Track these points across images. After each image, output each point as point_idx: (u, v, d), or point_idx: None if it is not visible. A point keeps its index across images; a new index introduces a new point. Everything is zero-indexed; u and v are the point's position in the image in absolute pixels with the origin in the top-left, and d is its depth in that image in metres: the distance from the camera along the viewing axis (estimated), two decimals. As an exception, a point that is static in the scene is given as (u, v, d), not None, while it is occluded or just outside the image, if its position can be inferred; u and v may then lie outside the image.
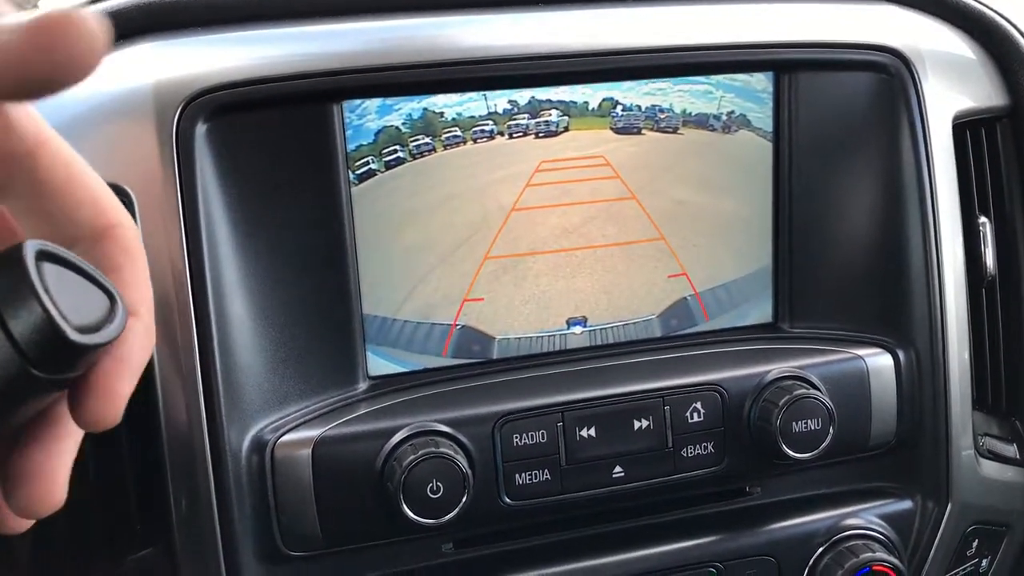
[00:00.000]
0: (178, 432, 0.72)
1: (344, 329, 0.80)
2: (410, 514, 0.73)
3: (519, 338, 0.85)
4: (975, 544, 0.92)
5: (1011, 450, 0.94)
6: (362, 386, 0.81)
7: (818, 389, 0.82)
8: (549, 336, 0.86)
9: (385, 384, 0.82)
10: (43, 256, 0.37)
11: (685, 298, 0.89)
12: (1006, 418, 0.96)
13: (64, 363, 0.37)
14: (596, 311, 0.87)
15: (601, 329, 0.87)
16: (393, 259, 0.81)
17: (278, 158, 0.76)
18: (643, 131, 0.84)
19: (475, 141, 0.81)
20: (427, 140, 0.80)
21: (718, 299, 0.90)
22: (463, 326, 0.84)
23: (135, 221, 0.70)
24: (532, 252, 0.84)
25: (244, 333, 0.75)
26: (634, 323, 0.88)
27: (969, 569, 0.93)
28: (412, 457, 0.73)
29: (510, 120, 0.81)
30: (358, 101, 0.78)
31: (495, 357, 0.85)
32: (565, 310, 0.86)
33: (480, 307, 0.84)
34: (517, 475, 0.78)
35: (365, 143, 0.78)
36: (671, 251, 0.87)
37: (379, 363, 0.82)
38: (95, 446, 0.74)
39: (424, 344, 0.83)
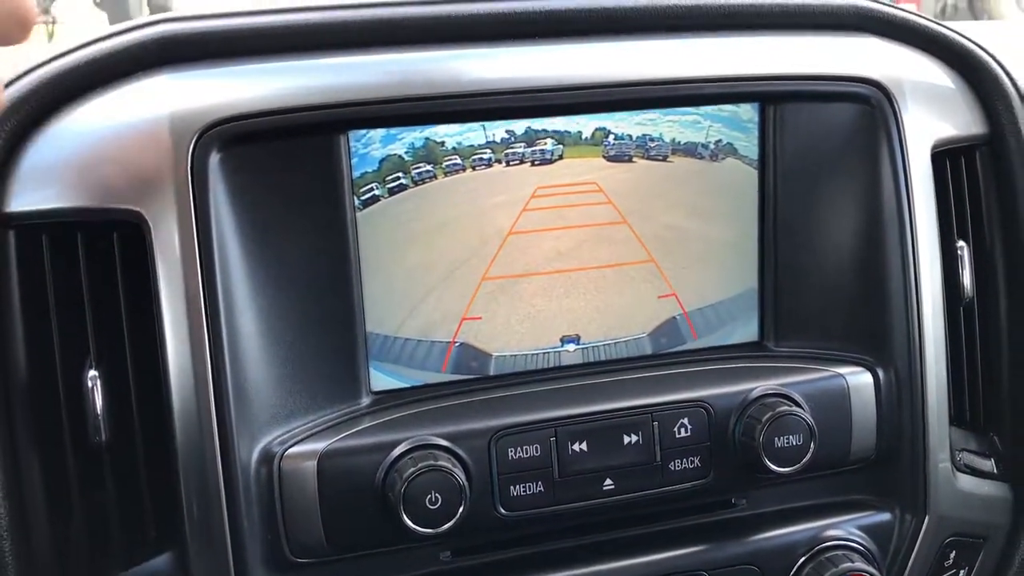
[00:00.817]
0: (191, 444, 0.76)
1: (348, 346, 0.84)
2: (410, 524, 0.77)
3: (515, 355, 0.89)
4: (952, 556, 0.96)
5: (988, 465, 0.98)
6: (365, 401, 0.85)
7: (800, 406, 0.86)
8: (544, 353, 0.90)
9: (387, 399, 0.86)
10: None
11: (674, 317, 0.92)
12: (984, 433, 1.00)
13: None
14: (589, 330, 0.91)
15: (593, 347, 0.91)
16: (395, 280, 0.85)
17: (287, 185, 0.80)
18: (634, 159, 0.88)
19: (474, 168, 0.85)
20: (428, 167, 0.84)
21: (706, 319, 0.93)
22: (461, 343, 0.88)
23: (152, 246, 0.75)
24: (528, 273, 0.88)
25: (254, 350, 0.79)
26: (625, 341, 0.92)
27: (948, 579, 0.97)
28: (412, 469, 0.77)
29: (507, 148, 0.85)
30: (363, 131, 0.82)
31: (492, 373, 0.89)
32: (559, 329, 0.90)
33: (478, 325, 0.88)
34: (512, 487, 0.82)
35: (370, 170, 0.83)
36: (661, 273, 0.91)
37: (381, 379, 0.86)
38: (113, 455, 0.78)
39: (424, 361, 0.87)
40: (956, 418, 0.97)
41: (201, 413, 0.76)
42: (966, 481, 0.95)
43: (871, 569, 0.87)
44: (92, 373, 0.77)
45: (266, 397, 0.79)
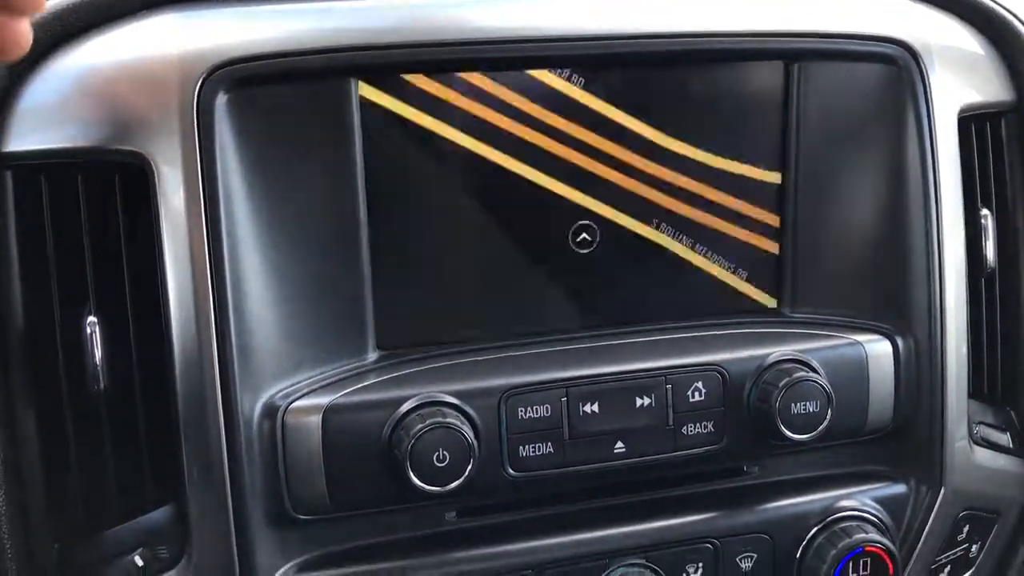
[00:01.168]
0: (192, 395, 0.73)
1: (355, 300, 0.81)
2: (416, 481, 0.75)
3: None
4: (966, 529, 0.94)
5: (1004, 439, 0.96)
6: (372, 356, 0.82)
7: (817, 373, 0.84)
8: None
9: (394, 355, 0.83)
10: None
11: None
12: (1001, 407, 0.98)
13: None
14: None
15: None
16: (404, 227, 0.82)
17: (295, 130, 0.78)
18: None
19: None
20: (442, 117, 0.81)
21: None
22: (471, 297, 0.85)
23: (155, 189, 0.72)
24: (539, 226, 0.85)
25: (258, 300, 0.76)
26: None
27: (959, 554, 0.95)
28: (420, 426, 0.75)
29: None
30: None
31: (501, 328, 0.86)
32: None
33: (487, 278, 0.85)
34: (521, 447, 0.80)
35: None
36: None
37: (389, 334, 0.84)
38: (111, 405, 0.76)
39: (433, 315, 0.85)
40: (974, 391, 0.95)
41: (203, 363, 0.73)
42: (982, 455, 0.94)
43: (884, 541, 0.86)
44: (91, 320, 0.74)
45: (270, 349, 0.77)
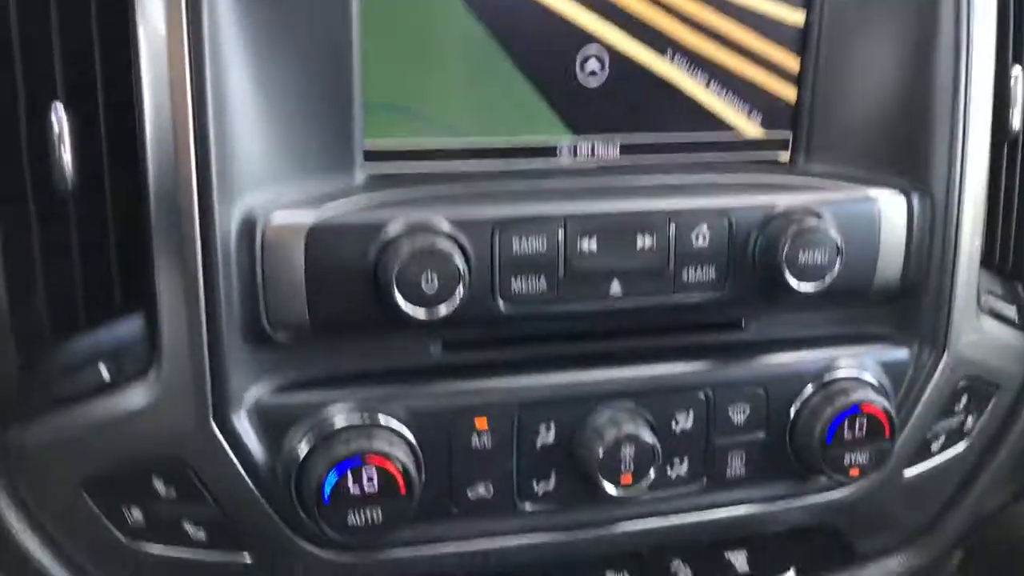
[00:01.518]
0: (166, 196, 0.69)
1: (344, 114, 0.76)
2: (403, 305, 0.71)
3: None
4: (964, 400, 0.92)
5: (1011, 311, 0.93)
6: (360, 175, 0.77)
7: (828, 224, 0.80)
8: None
9: (384, 177, 0.78)
10: None
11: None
12: (1010, 280, 0.95)
13: None
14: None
15: None
16: (399, 45, 0.77)
17: None
18: None
19: None
20: None
21: None
22: (468, 120, 0.80)
23: None
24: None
25: (241, 105, 0.71)
26: None
27: (954, 424, 0.93)
28: (408, 249, 0.71)
29: None
30: None
31: (499, 156, 0.81)
32: None
33: (487, 103, 0.80)
34: (513, 280, 0.76)
35: None
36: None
37: (379, 150, 0.78)
38: (79, 206, 0.71)
39: (427, 133, 0.79)
40: (984, 259, 0.91)
41: (179, 163, 0.68)
42: (988, 324, 0.91)
43: (883, 402, 0.83)
44: (60, 113, 0.69)
45: (252, 158, 0.72)
